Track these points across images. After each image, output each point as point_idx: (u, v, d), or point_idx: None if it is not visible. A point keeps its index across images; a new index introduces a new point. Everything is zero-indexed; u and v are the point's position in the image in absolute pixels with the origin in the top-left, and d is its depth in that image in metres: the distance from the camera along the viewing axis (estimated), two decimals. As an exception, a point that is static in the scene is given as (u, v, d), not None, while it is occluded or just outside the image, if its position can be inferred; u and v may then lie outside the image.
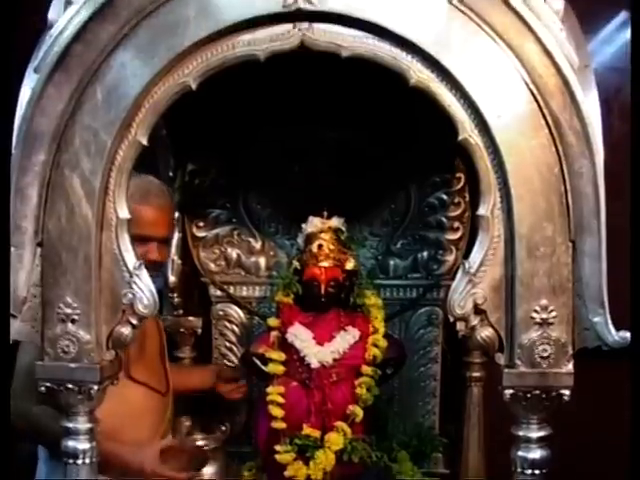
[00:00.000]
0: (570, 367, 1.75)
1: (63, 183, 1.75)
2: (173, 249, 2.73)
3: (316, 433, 2.35)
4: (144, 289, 1.78)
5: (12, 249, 1.76)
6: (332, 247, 2.43)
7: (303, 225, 2.48)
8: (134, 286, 1.78)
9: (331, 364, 2.38)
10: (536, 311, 1.73)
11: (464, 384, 2.73)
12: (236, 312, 2.83)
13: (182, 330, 2.79)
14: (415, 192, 2.77)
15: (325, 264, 2.41)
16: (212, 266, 2.83)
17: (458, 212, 2.75)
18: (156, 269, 2.44)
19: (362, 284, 2.50)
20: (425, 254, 2.77)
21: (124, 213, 1.79)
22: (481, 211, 1.75)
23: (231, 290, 2.82)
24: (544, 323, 1.73)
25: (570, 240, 1.72)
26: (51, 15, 1.75)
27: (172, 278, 2.74)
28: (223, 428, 2.74)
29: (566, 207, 1.71)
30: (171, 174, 2.74)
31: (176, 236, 2.75)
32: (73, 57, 1.72)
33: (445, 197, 2.75)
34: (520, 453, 1.79)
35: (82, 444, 1.82)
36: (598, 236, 1.70)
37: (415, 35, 1.70)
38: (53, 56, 1.72)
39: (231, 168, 2.76)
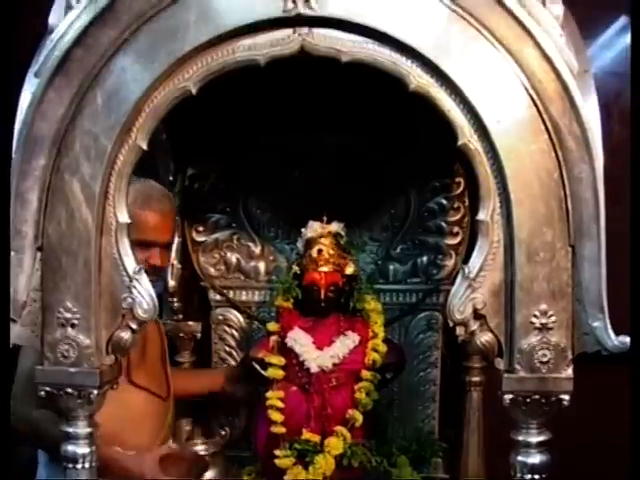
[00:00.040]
0: (570, 372, 1.75)
1: (63, 187, 1.75)
2: (173, 253, 2.73)
3: (316, 438, 2.34)
4: (144, 294, 1.78)
5: (12, 253, 1.76)
6: (332, 252, 2.42)
7: (303, 230, 2.48)
8: (134, 291, 1.78)
9: (331, 369, 2.38)
10: (535, 316, 1.73)
11: (464, 389, 2.72)
12: (236, 317, 2.83)
13: (181, 334, 2.79)
14: (415, 197, 2.77)
15: (325, 269, 2.41)
16: (212, 270, 2.82)
17: (458, 217, 2.75)
18: (157, 274, 2.45)
19: (362, 289, 2.50)
20: (425, 259, 2.77)
21: (124, 217, 1.79)
22: (481, 216, 1.75)
23: (231, 294, 2.82)
24: (543, 328, 1.73)
25: (570, 245, 1.72)
26: (52, 19, 1.76)
27: (172, 282, 2.74)
28: (223, 432, 2.73)
29: (566, 212, 1.71)
30: (171, 178, 2.74)
31: (176, 240, 2.74)
32: (73, 61, 1.72)
33: (445, 202, 2.75)
34: (520, 458, 1.79)
35: (82, 448, 1.82)
36: (598, 241, 1.70)
37: (415, 40, 1.71)
38: (54, 60, 1.72)
39: (231, 173, 2.76)
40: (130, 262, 1.79)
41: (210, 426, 2.76)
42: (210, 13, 1.72)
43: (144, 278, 1.79)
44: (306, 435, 2.35)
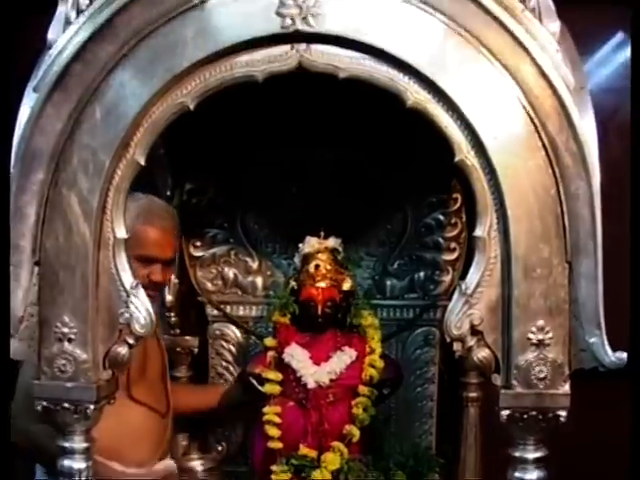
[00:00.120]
0: (567, 388, 1.75)
1: (61, 202, 1.76)
2: (171, 269, 2.73)
3: (313, 453, 2.34)
4: (141, 309, 1.78)
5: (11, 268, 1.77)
6: (329, 267, 2.43)
7: (300, 245, 2.48)
8: (131, 305, 1.78)
9: (328, 384, 2.38)
10: (532, 332, 1.73)
11: (461, 404, 2.72)
12: (233, 332, 2.82)
13: (178, 349, 2.79)
14: (412, 213, 2.77)
15: (322, 284, 2.41)
16: (209, 285, 2.82)
17: (455, 233, 2.75)
18: (159, 290, 2.45)
19: (359, 304, 2.50)
20: (422, 274, 2.77)
21: (121, 232, 1.79)
22: (478, 232, 1.76)
23: (228, 310, 2.81)
24: (540, 344, 1.74)
25: (566, 261, 1.72)
26: (51, 35, 1.76)
27: (169, 297, 2.74)
28: (219, 448, 2.73)
29: (562, 228, 1.71)
30: (169, 193, 2.74)
31: (173, 255, 2.75)
32: (72, 77, 1.73)
33: (442, 218, 2.74)
34: (517, 474, 1.78)
35: (78, 463, 1.82)
36: (594, 257, 1.70)
37: (412, 57, 1.71)
38: (52, 75, 1.73)
39: (229, 188, 2.76)
40: (127, 277, 1.79)
41: (207, 441, 2.76)
42: (208, 29, 1.73)
43: (141, 293, 1.79)
44: (303, 450, 2.34)
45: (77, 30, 1.73)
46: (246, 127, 2.54)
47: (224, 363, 2.82)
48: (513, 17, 1.70)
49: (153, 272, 2.34)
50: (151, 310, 1.79)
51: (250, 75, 1.76)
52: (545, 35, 1.71)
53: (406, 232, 2.78)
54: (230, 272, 2.81)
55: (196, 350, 2.81)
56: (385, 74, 1.74)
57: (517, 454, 1.79)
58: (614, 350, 1.72)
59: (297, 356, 2.40)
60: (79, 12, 1.75)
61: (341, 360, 2.40)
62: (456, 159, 1.74)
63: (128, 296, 1.78)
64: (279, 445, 2.35)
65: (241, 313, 2.82)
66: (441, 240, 2.74)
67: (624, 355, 1.71)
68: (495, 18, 1.69)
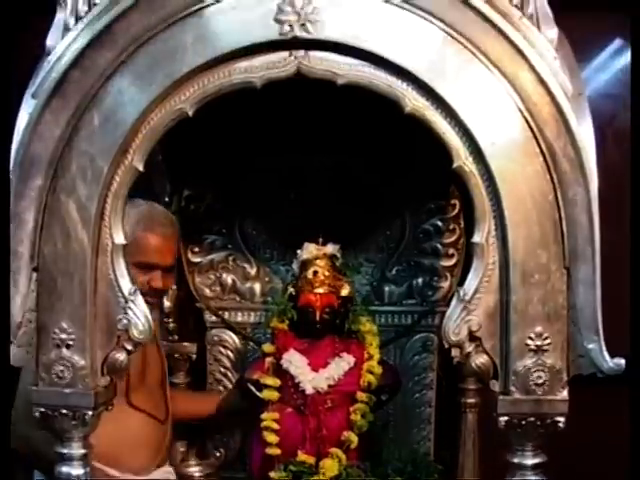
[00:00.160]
0: (565, 394, 1.75)
1: (59, 208, 1.76)
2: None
3: (311, 459, 2.34)
4: (139, 315, 1.78)
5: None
6: (327, 274, 2.43)
7: (298, 251, 2.48)
8: (129, 312, 1.78)
9: (326, 390, 2.38)
10: (531, 338, 1.73)
11: (459, 410, 2.72)
12: (231, 338, 2.82)
13: (177, 355, 2.78)
14: (410, 219, 2.77)
15: (320, 290, 2.41)
16: (207, 292, 2.82)
17: (453, 239, 2.75)
18: (158, 296, 2.45)
19: (357, 310, 2.50)
20: (420, 280, 2.77)
21: (120, 239, 1.79)
22: (476, 238, 1.76)
23: (226, 316, 2.81)
24: (539, 350, 1.74)
25: (564, 267, 1.72)
26: (49, 41, 1.77)
27: (167, 303, 2.74)
28: (217, 454, 2.73)
29: (560, 234, 1.71)
30: (167, 199, 2.74)
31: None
32: (71, 83, 1.73)
33: (440, 224, 2.75)
34: (515, 480, 1.79)
35: (76, 470, 1.82)
36: (592, 263, 1.70)
37: (410, 63, 1.72)
38: (51, 82, 1.73)
39: (227, 194, 2.76)
40: (126, 283, 1.79)
41: (205, 447, 2.75)
42: (207, 35, 1.73)
43: (139, 299, 1.79)
44: (301, 457, 2.34)
45: (76, 37, 1.73)
46: (244, 133, 2.54)
47: (222, 369, 2.82)
48: (511, 24, 1.70)
49: (153, 279, 2.34)
50: (149, 316, 1.79)
51: (249, 81, 1.76)
52: (543, 42, 1.71)
53: (404, 238, 2.78)
54: (228, 278, 2.81)
55: (194, 356, 2.80)
56: (383, 81, 1.74)
57: (515, 460, 1.79)
58: (614, 356, 1.72)
59: (295, 362, 2.40)
60: (78, 19, 1.75)
61: (339, 366, 2.40)
62: (454, 165, 1.75)
63: (126, 302, 1.78)
64: (277, 451, 2.35)
65: (239, 319, 2.82)
66: (439, 246, 2.75)
67: (622, 361, 1.71)
68: (493, 25, 1.69)
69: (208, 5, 1.73)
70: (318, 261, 2.44)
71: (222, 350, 2.81)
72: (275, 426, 2.36)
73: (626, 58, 3.16)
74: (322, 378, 2.38)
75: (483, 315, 1.76)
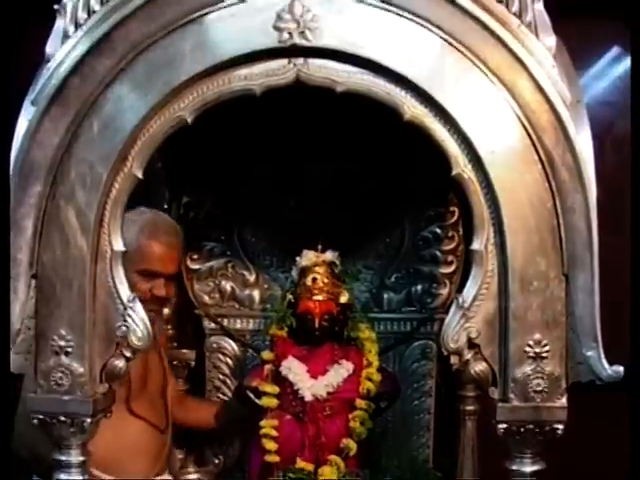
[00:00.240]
0: (564, 401, 1.76)
1: (58, 215, 1.76)
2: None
3: (310, 467, 2.33)
4: (138, 322, 1.78)
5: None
6: (326, 280, 2.43)
7: (297, 258, 2.48)
8: (128, 319, 1.78)
9: (325, 397, 2.38)
10: (530, 345, 1.73)
11: (458, 418, 2.72)
12: (230, 345, 2.82)
13: (175, 362, 2.78)
14: (409, 226, 2.77)
15: (319, 298, 2.41)
16: (206, 298, 2.82)
17: (452, 246, 2.75)
18: (161, 304, 2.44)
19: (356, 317, 2.49)
20: (419, 288, 2.76)
21: (119, 246, 1.79)
22: (475, 245, 1.76)
23: (225, 323, 2.81)
24: (537, 357, 1.74)
25: (563, 274, 1.73)
26: (49, 49, 1.77)
27: (166, 310, 2.73)
28: (216, 461, 2.73)
29: (559, 242, 1.72)
30: (166, 206, 2.74)
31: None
32: (70, 90, 1.74)
33: (439, 231, 2.75)
34: (514, 487, 1.79)
35: (74, 477, 1.82)
36: (591, 271, 1.71)
37: (409, 71, 1.72)
38: (50, 89, 1.73)
39: (226, 201, 2.76)
40: (124, 290, 1.79)
41: (203, 454, 2.75)
42: (206, 43, 1.74)
43: (138, 306, 1.79)
44: (300, 464, 2.34)
45: (75, 44, 1.74)
46: (244, 140, 2.55)
47: (221, 376, 2.82)
48: (510, 32, 1.71)
49: (156, 287, 2.34)
50: (148, 323, 1.79)
51: (248, 89, 1.77)
52: (541, 50, 1.72)
53: (403, 245, 2.78)
54: (227, 285, 2.81)
55: (193, 363, 2.80)
56: (382, 88, 1.74)
57: (514, 467, 1.79)
58: (613, 363, 1.72)
59: (294, 369, 2.40)
60: (77, 26, 1.75)
61: (338, 373, 2.40)
62: (453, 173, 1.75)
63: (125, 309, 1.78)
64: (276, 459, 2.35)
65: (238, 326, 2.82)
66: (438, 253, 2.75)
67: (621, 369, 1.71)
68: (492, 33, 1.70)
69: (207, 13, 1.73)
70: (317, 268, 2.44)
71: (221, 357, 2.81)
72: (274, 433, 2.36)
73: (624, 66, 3.16)
74: (321, 385, 2.38)
75: (482, 322, 1.76)
